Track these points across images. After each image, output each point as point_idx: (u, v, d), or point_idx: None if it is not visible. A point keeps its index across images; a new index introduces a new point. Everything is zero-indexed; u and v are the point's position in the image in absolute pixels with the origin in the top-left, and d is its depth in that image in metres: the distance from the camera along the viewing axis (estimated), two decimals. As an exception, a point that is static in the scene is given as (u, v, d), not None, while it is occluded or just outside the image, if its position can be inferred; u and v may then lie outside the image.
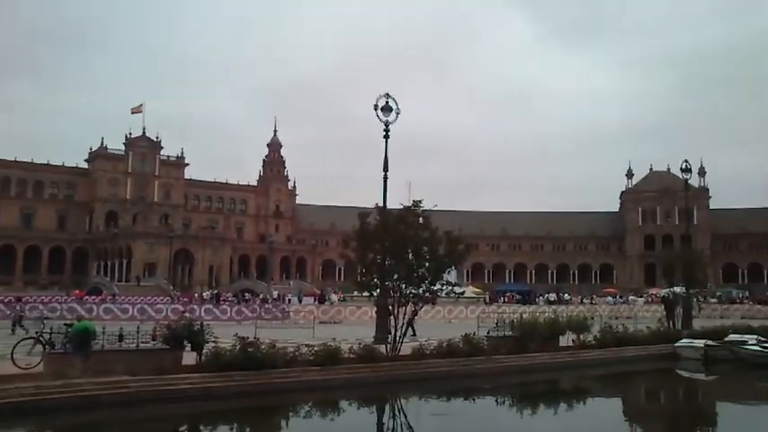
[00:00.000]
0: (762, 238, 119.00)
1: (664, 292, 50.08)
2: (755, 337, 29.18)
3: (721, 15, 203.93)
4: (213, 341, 18.57)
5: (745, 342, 27.97)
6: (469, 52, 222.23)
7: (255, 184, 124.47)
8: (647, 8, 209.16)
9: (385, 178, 28.34)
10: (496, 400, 20.59)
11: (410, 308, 22.15)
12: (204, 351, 18.31)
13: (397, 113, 28.15)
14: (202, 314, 38.13)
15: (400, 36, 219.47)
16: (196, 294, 66.63)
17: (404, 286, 22.11)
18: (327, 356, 19.77)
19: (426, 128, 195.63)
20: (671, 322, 33.69)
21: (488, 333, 24.90)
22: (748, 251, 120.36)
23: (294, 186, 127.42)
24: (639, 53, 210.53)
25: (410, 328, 28.49)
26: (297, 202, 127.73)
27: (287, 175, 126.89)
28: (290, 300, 59.02)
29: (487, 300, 66.30)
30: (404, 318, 21.91)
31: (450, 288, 23.86)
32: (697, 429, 17.91)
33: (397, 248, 22.19)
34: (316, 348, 20.14)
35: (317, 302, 55.45)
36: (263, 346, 18.69)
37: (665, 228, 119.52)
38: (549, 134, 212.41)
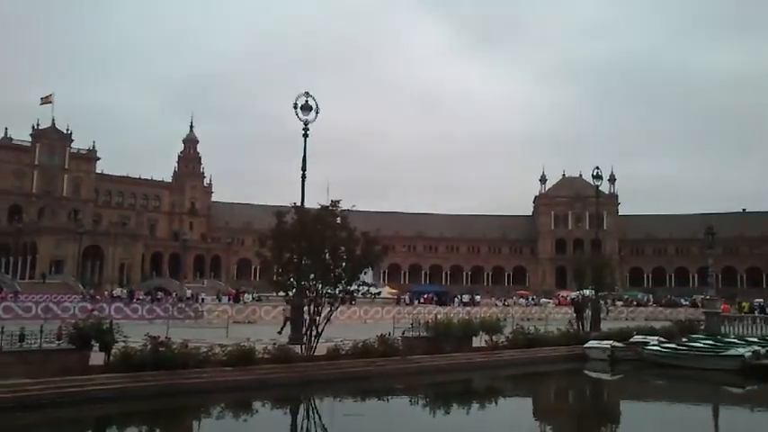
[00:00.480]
0: (665, 243, 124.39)
1: (574, 294, 51.65)
2: (657, 338, 30.47)
3: (629, 28, 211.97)
4: (123, 341, 17.98)
5: (647, 343, 29.14)
6: (384, 53, 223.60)
7: (170, 180, 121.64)
8: (567, 15, 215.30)
9: (303, 177, 28.23)
10: (411, 400, 20.73)
11: (325, 308, 22.06)
12: (113, 351, 17.72)
13: (317, 112, 28.10)
14: (112, 313, 36.89)
15: (315, 34, 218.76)
16: (106, 292, 64.51)
17: (320, 286, 22.03)
18: (241, 357, 19.45)
19: (343, 128, 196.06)
20: (580, 324, 34.66)
21: (404, 333, 25.08)
22: (653, 256, 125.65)
23: (210, 183, 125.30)
24: (554, 61, 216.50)
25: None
26: (213, 199, 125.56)
27: (203, 172, 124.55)
28: (203, 299, 57.87)
29: (408, 300, 66.82)
30: (320, 318, 21.81)
31: (366, 288, 23.89)
32: (601, 426, 18.51)
33: (314, 248, 22.07)
34: (229, 348, 19.81)
35: (231, 302, 54.57)
36: (174, 346, 18.23)
37: (576, 232, 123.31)
38: (464, 137, 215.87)
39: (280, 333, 28.83)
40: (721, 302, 41.91)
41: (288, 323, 31.11)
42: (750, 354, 25.80)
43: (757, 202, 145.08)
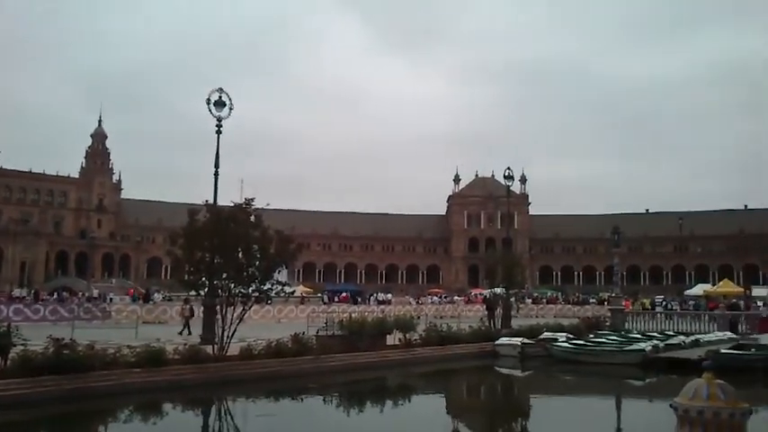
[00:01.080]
0: (574, 242, 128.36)
1: (486, 292, 52.64)
2: (565, 335, 31.37)
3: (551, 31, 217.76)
4: (22, 344, 17.17)
5: (556, 340, 29.95)
6: (303, 52, 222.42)
7: (77, 176, 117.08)
8: (486, 18, 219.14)
9: (216, 175, 27.80)
10: (324, 399, 20.64)
11: (238, 307, 21.72)
12: (11, 355, 16.90)
13: (231, 109, 27.74)
14: (11, 314, 35.33)
15: (231, 32, 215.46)
16: (4, 293, 61.58)
17: (233, 285, 21.68)
18: (150, 358, 18.92)
19: (260, 125, 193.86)
20: (491, 321, 35.34)
21: (318, 332, 25.00)
22: (561, 255, 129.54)
23: (119, 180, 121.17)
24: (472, 63, 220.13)
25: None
26: (122, 196, 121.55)
27: (112, 168, 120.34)
28: (111, 299, 56.06)
29: (325, 299, 66.69)
30: (233, 317, 21.45)
31: (280, 287, 23.66)
32: (512, 421, 18.90)
33: (227, 247, 21.69)
34: (138, 349, 19.23)
35: (141, 301, 53.06)
36: (80, 348, 17.53)
37: (489, 231, 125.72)
38: (383, 137, 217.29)
39: (180, 334, 28.33)
40: (623, 300, 43.49)
41: (188, 323, 30.73)
42: (650, 348, 27.00)
43: (660, 203, 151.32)
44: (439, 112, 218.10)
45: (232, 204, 22.61)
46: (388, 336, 26.87)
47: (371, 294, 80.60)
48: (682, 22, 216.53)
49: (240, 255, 21.98)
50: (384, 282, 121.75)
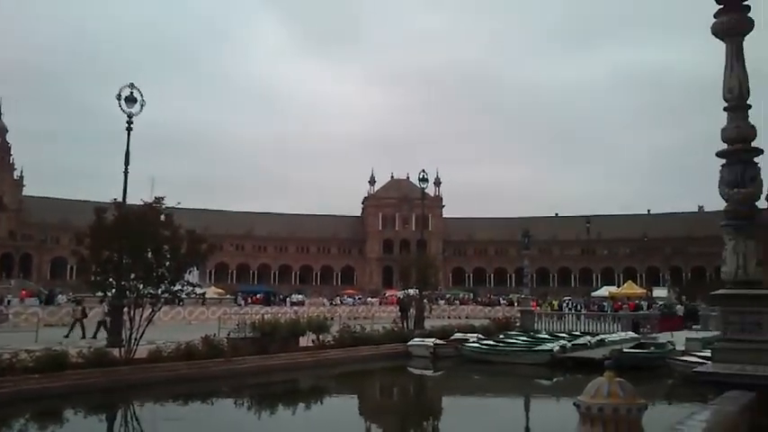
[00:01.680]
0: (486, 245, 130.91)
1: (400, 293, 53.02)
2: (476, 335, 31.91)
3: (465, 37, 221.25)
4: None
5: (467, 340, 30.42)
6: (222, 51, 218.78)
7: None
8: (408, 22, 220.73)
9: (125, 173, 27.02)
10: (235, 402, 20.29)
11: (147, 309, 21.09)
12: None
13: (142, 105, 27.01)
14: None
15: (149, 30, 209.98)
16: None
17: (141, 286, 21.04)
18: (51, 362, 18.07)
19: (174, 123, 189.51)
20: (405, 322, 35.59)
21: (229, 334, 24.59)
22: (474, 257, 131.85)
23: (21, 176, 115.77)
24: (385, 67, 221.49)
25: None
26: (24, 193, 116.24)
27: (12, 163, 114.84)
28: (9, 301, 53.49)
29: (240, 302, 65.73)
30: (141, 319, 20.81)
31: (190, 289, 23.15)
32: (423, 420, 19.08)
33: (136, 247, 21.03)
34: (38, 354, 18.37)
35: (43, 303, 50.93)
36: (-29, 354, 16.63)
37: (403, 233, 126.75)
38: (302, 137, 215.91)
39: (67, 336, 27.34)
40: (531, 301, 44.55)
41: (77, 324, 29.71)
42: (558, 348, 27.77)
43: (570, 207, 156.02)
44: (356, 114, 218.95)
45: (142, 203, 21.98)
46: (301, 337, 26.67)
47: (285, 296, 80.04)
48: (593, 31, 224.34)
49: (149, 255, 21.36)
50: (298, 283, 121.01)
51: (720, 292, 6.10)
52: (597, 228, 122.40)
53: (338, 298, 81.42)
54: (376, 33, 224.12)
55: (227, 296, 71.48)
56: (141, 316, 20.65)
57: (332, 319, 36.14)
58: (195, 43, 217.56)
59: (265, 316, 30.79)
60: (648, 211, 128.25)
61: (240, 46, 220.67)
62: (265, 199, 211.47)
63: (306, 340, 26.92)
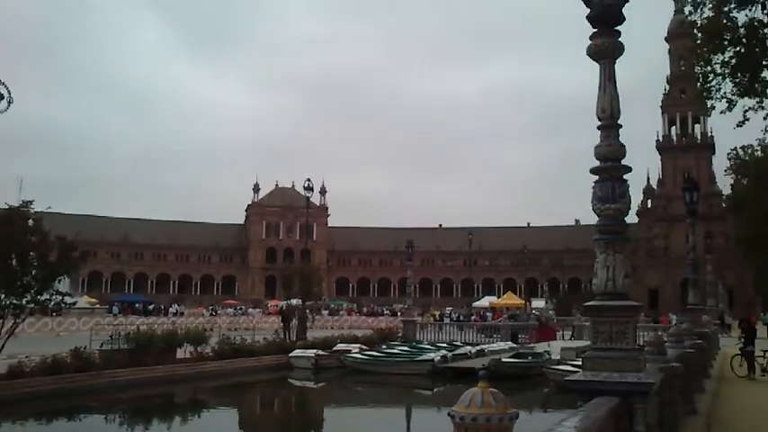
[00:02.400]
0: (370, 255, 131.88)
1: (282, 303, 52.49)
2: (359, 345, 31.94)
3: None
4: None
5: (350, 351, 30.39)
6: (100, 50, 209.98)
7: None
8: (294, 27, 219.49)
9: (-11, 174, 25.39)
10: (106, 418, 19.38)
11: (9, 320, 19.82)
12: None
13: (10, 102, 25.43)
14: None
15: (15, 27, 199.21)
16: None
17: (3, 296, 19.75)
18: None
19: (44, 124, 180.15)
20: (287, 333, 35.24)
21: (101, 346, 23.49)
22: (358, 267, 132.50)
23: None
24: (275, 72, 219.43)
25: None
26: None
27: None
28: None
29: (115, 311, 63.13)
30: (1, 331, 19.55)
31: (59, 298, 22.00)
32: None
33: (-1, 253, 19.79)
34: None
35: None
36: None
37: (287, 242, 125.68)
38: (177, 141, 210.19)
39: None
40: (414, 311, 44.99)
41: None
42: (439, 358, 28.15)
43: (452, 219, 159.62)
44: (243, 120, 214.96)
45: (7, 207, 20.73)
46: (178, 349, 25.83)
47: (163, 306, 77.66)
48: (481, 47, 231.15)
49: (14, 262, 20.13)
50: (177, 292, 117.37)
51: (591, 303, 6.33)
52: (479, 240, 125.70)
53: (218, 308, 79.70)
54: (261, 37, 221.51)
55: (99, 306, 68.55)
56: (1, 328, 19.39)
57: (211, 330, 35.27)
58: (69, 40, 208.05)
59: (141, 327, 29.66)
60: (528, 224, 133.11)
61: (120, 44, 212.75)
62: (144, 205, 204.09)
63: (183, 352, 26.11)
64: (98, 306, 68.55)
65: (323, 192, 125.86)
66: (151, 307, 73.80)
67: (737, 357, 22.05)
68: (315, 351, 29.61)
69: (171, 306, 75.85)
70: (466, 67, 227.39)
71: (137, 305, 75.45)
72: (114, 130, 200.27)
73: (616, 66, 6.65)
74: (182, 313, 65.92)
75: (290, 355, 29.61)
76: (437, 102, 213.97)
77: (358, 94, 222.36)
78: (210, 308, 78.20)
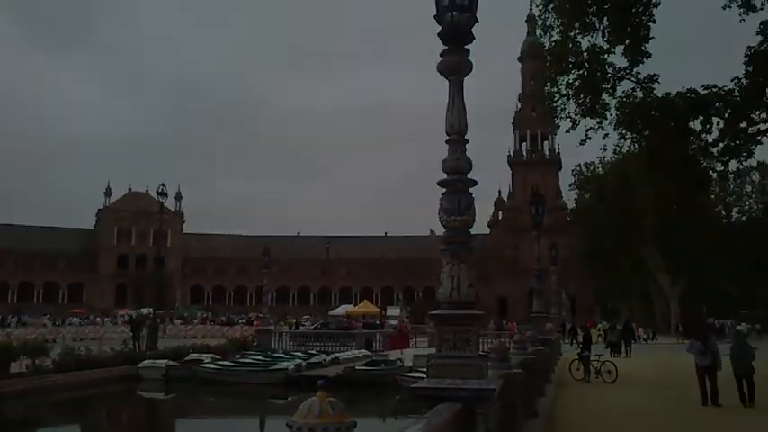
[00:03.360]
0: (226, 262, 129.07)
1: (132, 312, 50.41)
2: (212, 355, 31.19)
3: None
4: None
5: (202, 361, 29.61)
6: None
7: None
8: (137, 30, 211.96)
9: None
10: None
11: None
12: None
13: None
14: None
15: None
16: None
17: None
18: None
19: None
20: (136, 343, 33.92)
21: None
22: (214, 275, 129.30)
23: None
24: (131, 72, 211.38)
25: None
26: None
27: None
28: None
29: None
30: None
31: None
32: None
33: None
34: None
35: None
36: None
37: (140, 248, 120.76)
38: (28, 140, 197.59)
39: None
40: (269, 319, 44.45)
41: None
42: (293, 367, 28.02)
43: (310, 227, 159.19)
44: (95, 120, 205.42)
45: None
46: (13, 362, 24.13)
47: (14, 315, 72.56)
48: (336, 58, 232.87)
49: None
50: (16, 301, 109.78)
51: (436, 312, 6.51)
52: (337, 248, 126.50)
53: (63, 318, 75.25)
54: (114, 37, 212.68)
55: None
56: None
57: (54, 341, 33.30)
58: None
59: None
60: (386, 233, 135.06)
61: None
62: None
63: (19, 366, 24.43)
64: None
65: (178, 197, 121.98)
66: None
67: (575, 362, 23.48)
68: (165, 361, 28.68)
69: (12, 316, 70.91)
70: (324, 77, 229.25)
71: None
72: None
73: (472, 83, 6.89)
74: (23, 324, 61.89)
75: (140, 365, 28.52)
76: (296, 110, 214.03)
77: (215, 100, 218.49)
78: (47, 316, 73.54)
